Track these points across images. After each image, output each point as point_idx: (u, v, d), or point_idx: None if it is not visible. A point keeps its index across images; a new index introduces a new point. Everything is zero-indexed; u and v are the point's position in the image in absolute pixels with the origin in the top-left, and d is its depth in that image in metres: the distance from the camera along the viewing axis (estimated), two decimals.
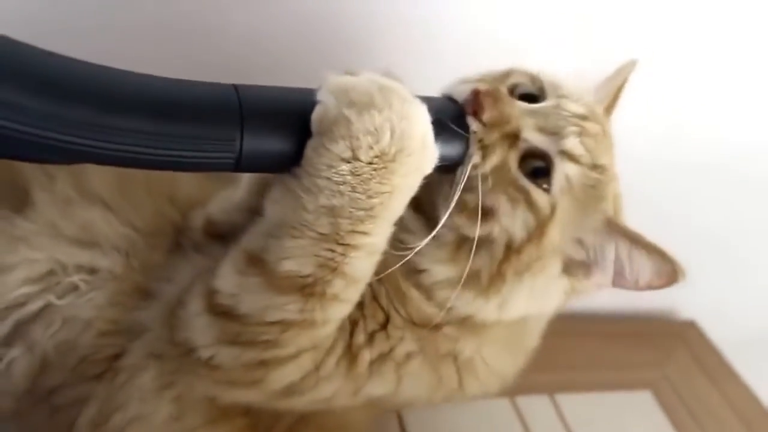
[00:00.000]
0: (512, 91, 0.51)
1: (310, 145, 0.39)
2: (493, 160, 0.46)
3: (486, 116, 0.46)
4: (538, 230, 0.47)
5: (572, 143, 0.48)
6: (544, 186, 0.47)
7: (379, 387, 0.52)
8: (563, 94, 0.51)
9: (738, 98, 0.89)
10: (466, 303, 0.50)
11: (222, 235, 0.53)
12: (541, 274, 0.49)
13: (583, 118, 0.49)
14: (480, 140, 0.45)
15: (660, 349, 1.05)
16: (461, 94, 0.47)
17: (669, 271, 0.46)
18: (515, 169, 0.47)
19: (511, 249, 0.47)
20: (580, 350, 0.95)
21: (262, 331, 0.45)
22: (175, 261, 0.55)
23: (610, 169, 0.50)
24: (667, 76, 0.81)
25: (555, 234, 0.48)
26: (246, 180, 0.53)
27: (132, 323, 0.52)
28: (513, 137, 0.47)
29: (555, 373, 0.90)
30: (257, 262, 0.44)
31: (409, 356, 0.51)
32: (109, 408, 0.51)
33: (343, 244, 0.41)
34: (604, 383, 0.95)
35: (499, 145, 0.46)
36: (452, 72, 0.52)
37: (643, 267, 0.47)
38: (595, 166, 0.48)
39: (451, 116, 0.45)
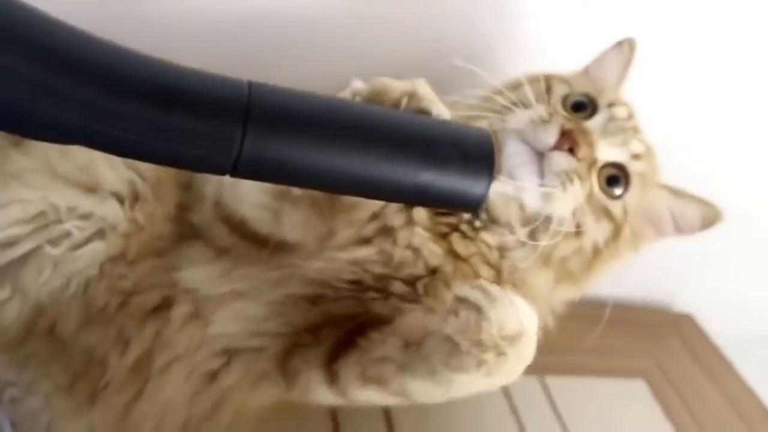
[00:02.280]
0: (563, 104, 0.55)
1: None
2: (587, 187, 0.51)
3: (581, 153, 0.50)
4: (616, 232, 0.54)
5: (635, 146, 0.54)
6: (617, 193, 0.53)
7: None
8: (612, 102, 0.55)
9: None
10: (560, 294, 0.57)
11: (230, 220, 0.51)
12: (618, 257, 0.56)
13: (629, 116, 0.55)
14: (577, 173, 0.50)
15: (655, 340, 1.04)
16: (548, 135, 0.50)
17: (712, 213, 0.56)
18: (597, 190, 0.52)
19: (596, 252, 0.53)
20: (573, 334, 0.94)
21: None
22: (180, 241, 0.53)
23: (650, 144, 0.57)
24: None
25: (628, 229, 0.55)
26: None
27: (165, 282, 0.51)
28: (593, 162, 0.52)
29: (545, 355, 0.89)
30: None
31: None
32: (153, 351, 0.51)
33: None
34: (596, 369, 0.95)
35: (587, 173, 0.51)
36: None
37: (693, 215, 0.56)
38: (648, 152, 0.55)
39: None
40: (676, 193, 0.57)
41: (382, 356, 0.44)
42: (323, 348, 0.49)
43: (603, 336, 0.98)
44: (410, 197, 0.34)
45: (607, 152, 0.53)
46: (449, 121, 0.37)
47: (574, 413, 0.86)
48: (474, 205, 0.35)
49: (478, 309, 0.36)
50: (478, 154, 0.34)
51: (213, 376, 0.52)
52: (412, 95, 0.39)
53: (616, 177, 0.53)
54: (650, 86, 0.65)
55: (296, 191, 0.46)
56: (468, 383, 0.39)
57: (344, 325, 0.50)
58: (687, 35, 0.79)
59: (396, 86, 0.40)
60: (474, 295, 0.37)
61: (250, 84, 0.32)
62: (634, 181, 0.54)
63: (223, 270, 0.52)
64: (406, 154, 0.33)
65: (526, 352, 0.38)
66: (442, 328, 0.38)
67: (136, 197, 0.52)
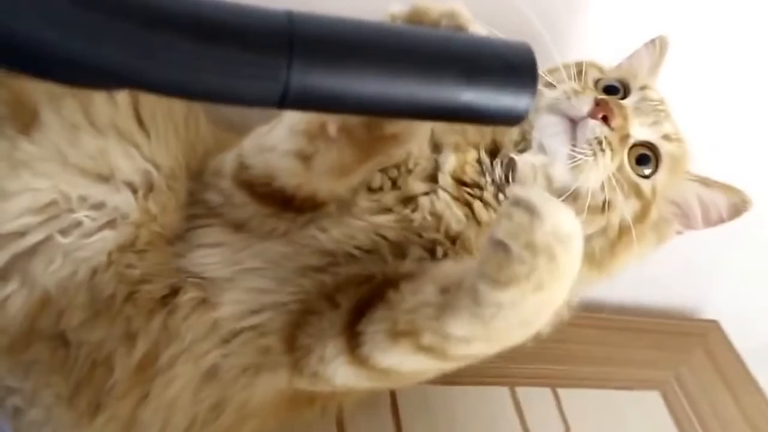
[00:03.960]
0: (596, 86, 0.56)
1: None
2: (617, 160, 0.52)
3: (615, 123, 0.51)
4: (644, 212, 0.54)
5: (667, 127, 0.55)
6: (647, 172, 0.54)
7: None
8: (644, 86, 0.57)
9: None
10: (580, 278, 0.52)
11: (252, 184, 0.50)
12: (643, 243, 0.55)
13: (661, 101, 0.56)
14: (609, 143, 0.50)
15: (677, 350, 1.02)
16: (582, 104, 0.51)
17: (741, 201, 0.55)
18: (627, 166, 0.53)
19: (623, 231, 0.53)
20: (587, 344, 0.92)
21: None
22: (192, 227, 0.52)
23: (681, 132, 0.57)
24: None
25: (655, 211, 0.55)
26: (289, 116, 0.47)
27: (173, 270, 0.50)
28: (626, 137, 0.53)
29: (557, 365, 0.88)
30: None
31: None
32: (160, 345, 0.49)
33: None
34: (609, 380, 0.92)
35: (619, 146, 0.52)
36: None
37: (721, 204, 0.56)
38: (678, 137, 0.56)
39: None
40: (704, 181, 0.57)
41: (418, 303, 0.42)
42: (341, 312, 0.47)
43: (621, 346, 0.97)
44: (457, 112, 0.34)
45: (639, 130, 0.54)
46: (488, 37, 0.36)
47: (581, 423, 0.84)
48: (518, 117, 0.35)
49: (531, 210, 0.35)
50: (521, 66, 0.34)
51: (215, 371, 0.50)
52: (450, 15, 0.39)
53: (646, 156, 0.54)
54: (681, 83, 0.64)
55: (332, 130, 0.44)
56: (515, 305, 0.36)
57: (364, 285, 0.48)
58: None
59: (434, 7, 0.39)
60: (528, 196, 0.36)
61: (290, 14, 0.31)
62: (665, 162, 0.54)
63: (234, 249, 0.50)
64: (450, 69, 0.33)
65: (575, 258, 0.37)
66: (494, 234, 0.36)
67: (150, 188, 0.51)
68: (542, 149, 0.51)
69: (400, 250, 0.50)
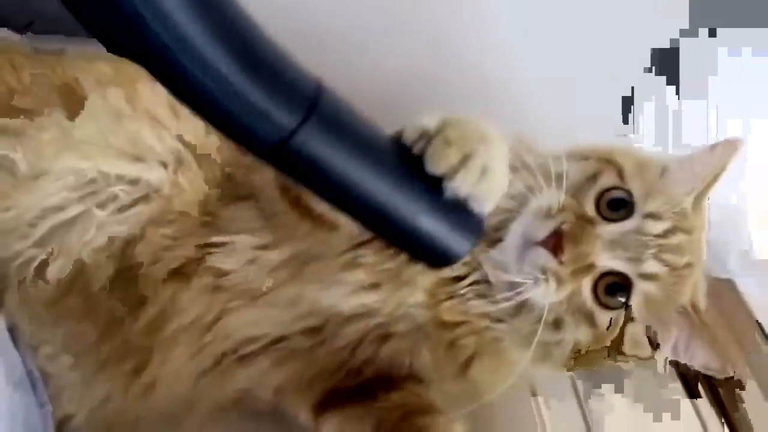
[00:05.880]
0: (599, 198, 0.53)
1: None
2: (564, 290, 0.51)
3: (564, 258, 0.50)
4: (598, 342, 0.53)
5: (650, 266, 0.52)
6: (620, 300, 0.52)
7: None
8: (651, 213, 0.53)
9: None
10: (536, 372, 0.58)
11: (285, 188, 0.52)
12: (603, 361, 0.55)
13: (668, 233, 0.53)
14: (555, 274, 0.50)
15: None
16: (541, 229, 0.51)
17: (716, 369, 0.53)
18: (587, 293, 0.52)
19: (577, 352, 0.53)
20: None
21: None
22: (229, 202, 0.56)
23: (694, 263, 0.54)
24: None
25: (614, 340, 0.53)
26: None
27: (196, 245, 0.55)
28: (587, 268, 0.51)
29: None
30: None
31: None
32: (166, 314, 0.55)
33: None
34: None
35: (569, 279, 0.51)
36: None
37: (699, 355, 0.54)
38: (674, 270, 0.52)
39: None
40: (696, 327, 0.54)
41: None
42: (315, 393, 0.55)
43: None
44: (407, 232, 0.38)
45: (610, 263, 0.52)
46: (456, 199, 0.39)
47: None
48: (452, 260, 0.39)
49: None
50: (475, 222, 0.40)
51: (219, 361, 0.56)
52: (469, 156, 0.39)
53: (617, 286, 0.52)
54: None
55: None
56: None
57: (337, 379, 0.55)
58: None
59: (456, 152, 0.39)
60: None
61: (320, 82, 0.35)
62: (636, 300, 0.52)
63: (257, 243, 0.55)
64: (423, 196, 0.38)
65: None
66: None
67: (180, 163, 0.57)
68: (502, 254, 0.52)
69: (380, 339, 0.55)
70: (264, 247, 0.55)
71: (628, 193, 0.53)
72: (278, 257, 0.54)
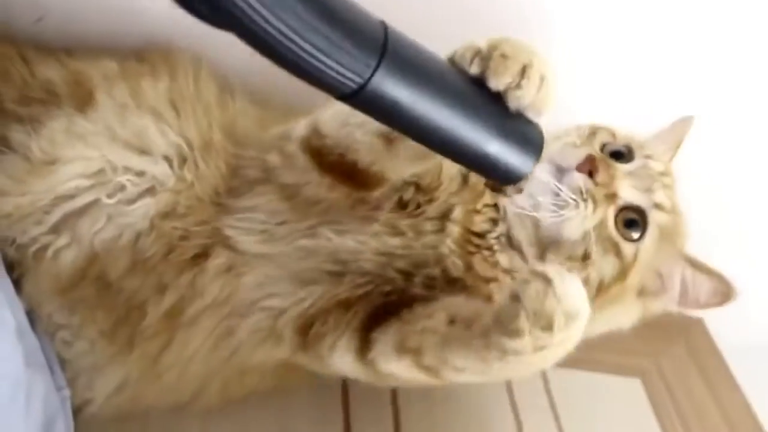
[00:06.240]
0: (602, 149, 0.58)
1: None
2: (598, 214, 0.54)
3: (599, 178, 0.54)
4: (623, 273, 0.55)
5: (661, 196, 0.57)
6: (633, 236, 0.55)
7: None
8: (648, 155, 0.59)
9: None
10: None
11: (321, 152, 0.53)
12: (621, 304, 0.58)
13: (663, 174, 0.58)
14: (592, 196, 0.53)
15: (660, 340, 1.05)
16: (573, 157, 0.54)
17: (724, 291, 0.56)
18: (611, 224, 0.55)
19: (601, 287, 0.55)
20: None
21: None
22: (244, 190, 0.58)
23: (680, 214, 0.59)
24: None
25: (636, 275, 0.56)
26: None
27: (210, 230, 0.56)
28: (612, 196, 0.55)
29: None
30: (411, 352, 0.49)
31: None
32: (185, 300, 0.56)
33: None
34: (596, 363, 0.97)
35: (602, 202, 0.54)
36: None
37: (703, 288, 0.57)
38: (673, 211, 0.57)
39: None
40: (694, 263, 0.58)
41: (428, 327, 0.49)
42: (358, 317, 0.54)
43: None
44: (477, 157, 0.40)
45: (629, 192, 0.56)
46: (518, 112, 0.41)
47: (567, 404, 0.89)
48: (519, 177, 0.41)
49: (547, 281, 0.40)
50: (535, 140, 0.41)
51: (230, 332, 0.57)
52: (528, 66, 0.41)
53: (634, 221, 0.55)
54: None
55: None
56: (517, 354, 0.41)
57: (379, 300, 0.55)
58: None
59: (515, 64, 0.40)
60: (546, 270, 0.41)
61: (385, 24, 0.36)
62: (651, 230, 0.56)
63: (275, 218, 0.56)
64: (490, 121, 0.40)
65: (576, 331, 0.41)
66: (513, 290, 0.41)
67: (184, 159, 0.58)
68: (532, 195, 0.54)
69: (404, 276, 0.56)
70: (283, 223, 0.56)
71: (624, 145, 0.59)
72: (297, 227, 0.56)
